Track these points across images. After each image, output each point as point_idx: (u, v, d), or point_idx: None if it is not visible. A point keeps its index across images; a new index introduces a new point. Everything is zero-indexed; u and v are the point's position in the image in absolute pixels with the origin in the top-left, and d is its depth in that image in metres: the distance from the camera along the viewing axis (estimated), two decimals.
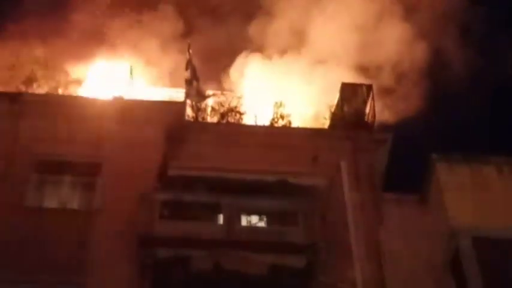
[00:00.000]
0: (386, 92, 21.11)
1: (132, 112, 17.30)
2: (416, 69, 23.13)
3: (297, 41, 22.50)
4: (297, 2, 23.53)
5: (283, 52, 22.07)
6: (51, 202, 16.13)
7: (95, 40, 21.81)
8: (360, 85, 19.14)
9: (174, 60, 21.49)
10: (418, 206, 16.92)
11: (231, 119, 18.75)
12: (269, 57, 21.97)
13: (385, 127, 18.22)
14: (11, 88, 18.57)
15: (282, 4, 23.49)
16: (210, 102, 19.18)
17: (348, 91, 18.84)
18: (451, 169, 16.64)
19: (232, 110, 18.90)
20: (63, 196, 16.18)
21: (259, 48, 22.24)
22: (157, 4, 23.67)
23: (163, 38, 22.25)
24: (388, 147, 17.74)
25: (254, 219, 16.18)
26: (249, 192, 15.98)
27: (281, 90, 20.54)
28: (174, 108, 17.71)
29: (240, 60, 21.97)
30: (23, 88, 18.72)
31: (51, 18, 22.00)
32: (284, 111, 19.10)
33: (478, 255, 15.36)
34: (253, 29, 22.99)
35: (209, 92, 19.33)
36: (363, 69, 21.77)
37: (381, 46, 22.61)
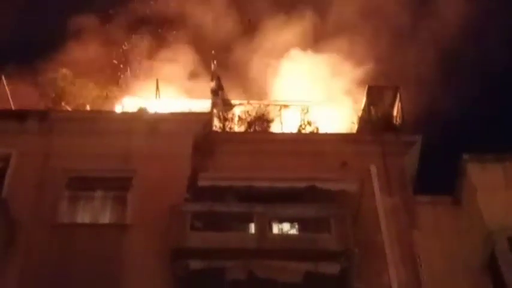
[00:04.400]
0: (415, 92, 20.94)
1: (159, 125, 17.36)
2: (444, 68, 22.94)
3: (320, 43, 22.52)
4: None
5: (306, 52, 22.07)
6: (83, 218, 16.23)
7: (120, 56, 22.04)
8: (387, 87, 18.98)
9: (197, 71, 21.61)
10: (452, 208, 16.71)
11: (258, 128, 18.72)
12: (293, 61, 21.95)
13: (414, 129, 18.00)
14: (40, 106, 18.78)
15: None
16: (236, 111, 19.18)
17: (374, 94, 18.70)
18: (483, 169, 16.40)
19: (259, 119, 18.86)
20: (95, 211, 16.26)
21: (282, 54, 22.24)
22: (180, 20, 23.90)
23: (187, 50, 22.38)
24: (418, 149, 17.56)
25: (286, 227, 16.09)
26: (280, 200, 15.89)
27: (307, 93, 20.48)
28: (201, 119, 17.72)
29: (265, 67, 21.98)
30: (51, 106, 18.92)
31: (77, 36, 22.34)
32: (311, 117, 19.04)
33: None
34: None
35: (235, 101, 19.32)
36: (390, 68, 21.67)
37: (410, 44, 22.46)
